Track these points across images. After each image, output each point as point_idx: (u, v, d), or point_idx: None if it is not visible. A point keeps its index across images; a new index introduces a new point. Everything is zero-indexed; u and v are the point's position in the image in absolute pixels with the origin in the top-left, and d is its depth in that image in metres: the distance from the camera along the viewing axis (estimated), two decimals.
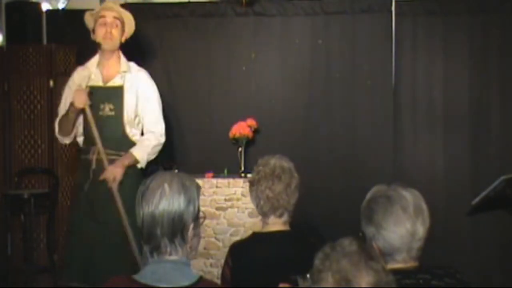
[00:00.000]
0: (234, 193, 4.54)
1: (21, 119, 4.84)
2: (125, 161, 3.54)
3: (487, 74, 4.75)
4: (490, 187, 2.78)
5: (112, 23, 3.58)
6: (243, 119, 4.79)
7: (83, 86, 3.51)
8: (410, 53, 4.85)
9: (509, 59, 4.71)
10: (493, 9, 4.74)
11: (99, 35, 3.56)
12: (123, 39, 3.68)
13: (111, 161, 3.50)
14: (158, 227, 1.77)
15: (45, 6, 5.15)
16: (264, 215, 2.42)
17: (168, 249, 1.79)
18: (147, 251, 1.82)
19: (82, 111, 3.46)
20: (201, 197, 1.87)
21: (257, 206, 2.44)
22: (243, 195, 4.47)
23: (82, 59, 3.84)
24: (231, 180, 4.58)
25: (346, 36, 4.93)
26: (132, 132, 3.63)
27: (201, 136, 5.02)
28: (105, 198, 3.48)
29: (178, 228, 1.78)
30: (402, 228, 1.84)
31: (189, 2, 5.08)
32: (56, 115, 3.71)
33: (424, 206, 1.90)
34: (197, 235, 1.85)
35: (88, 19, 3.61)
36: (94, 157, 3.49)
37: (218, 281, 2.56)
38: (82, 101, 3.40)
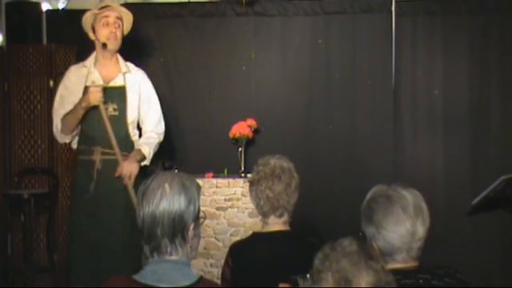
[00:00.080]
0: (234, 193, 4.54)
1: (21, 119, 4.84)
2: (137, 157, 3.56)
3: (487, 74, 4.75)
4: (490, 187, 2.78)
5: (115, 23, 3.58)
6: (243, 119, 4.79)
7: (82, 85, 3.50)
8: (410, 53, 4.85)
9: (509, 59, 4.71)
10: (493, 9, 4.74)
11: (102, 35, 3.55)
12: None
13: (111, 161, 3.51)
14: (158, 227, 1.77)
15: (45, 6, 5.14)
16: (264, 215, 2.42)
17: (169, 249, 1.79)
18: (147, 251, 1.82)
19: (89, 108, 3.46)
20: (201, 197, 1.87)
21: (257, 206, 2.44)
22: (243, 195, 4.47)
23: (82, 59, 3.82)
24: (231, 180, 4.58)
25: (346, 36, 4.93)
26: (133, 132, 3.65)
27: (201, 136, 5.02)
28: (112, 198, 3.50)
29: (179, 228, 1.78)
30: (402, 228, 1.84)
31: (189, 2, 5.08)
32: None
33: (424, 206, 1.90)
34: (197, 235, 1.85)
35: (88, 19, 3.57)
36: (98, 158, 3.49)
37: (218, 281, 2.56)
38: (98, 98, 3.40)
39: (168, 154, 4.82)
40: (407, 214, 1.85)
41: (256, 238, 2.45)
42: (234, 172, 4.74)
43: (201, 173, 4.61)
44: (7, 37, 5.02)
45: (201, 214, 1.86)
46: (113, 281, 1.80)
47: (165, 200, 1.77)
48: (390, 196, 1.89)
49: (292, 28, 4.98)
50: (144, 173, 3.58)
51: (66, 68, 4.67)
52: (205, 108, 5.05)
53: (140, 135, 3.73)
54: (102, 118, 3.42)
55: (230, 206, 4.53)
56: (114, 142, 3.45)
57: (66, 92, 3.55)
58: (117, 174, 3.44)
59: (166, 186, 1.79)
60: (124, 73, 3.67)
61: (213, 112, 5.03)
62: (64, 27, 4.98)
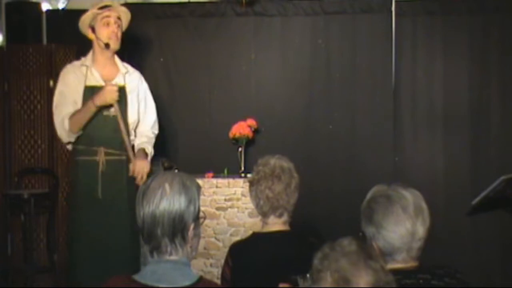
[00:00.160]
0: (234, 193, 4.54)
1: (21, 119, 4.84)
2: (144, 155, 3.59)
3: (487, 74, 4.75)
4: (490, 187, 2.78)
5: (115, 23, 3.58)
6: (243, 119, 4.79)
7: (82, 84, 3.49)
8: (410, 53, 4.85)
9: (509, 59, 4.71)
10: (493, 9, 4.74)
11: (104, 35, 3.53)
12: None
13: (114, 162, 3.51)
14: (158, 227, 1.77)
15: (45, 6, 5.15)
16: (264, 215, 2.42)
17: (169, 249, 1.79)
18: (147, 250, 1.82)
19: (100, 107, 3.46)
20: (201, 197, 1.87)
21: (256, 206, 2.44)
22: (243, 195, 4.47)
23: None
24: (231, 180, 4.58)
25: (346, 36, 4.93)
26: (131, 132, 3.65)
27: (201, 136, 5.03)
28: (115, 198, 3.51)
29: (179, 228, 1.78)
30: (402, 228, 1.84)
31: (189, 2, 5.08)
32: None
33: (424, 206, 1.90)
34: (197, 235, 1.85)
35: (88, 18, 3.56)
36: (102, 158, 3.48)
37: (218, 281, 2.56)
38: (114, 97, 3.42)
39: (168, 154, 4.83)
40: (407, 214, 1.85)
41: (256, 238, 2.45)
42: (234, 172, 4.74)
43: (201, 173, 4.61)
44: (7, 37, 5.02)
45: (201, 214, 1.86)
46: (113, 281, 1.80)
47: (165, 200, 1.77)
48: (390, 196, 1.88)
49: (292, 28, 4.98)
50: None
51: None
52: (205, 108, 5.05)
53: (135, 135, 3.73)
54: (117, 117, 3.45)
55: (230, 206, 4.53)
56: (127, 141, 3.48)
57: (67, 90, 3.52)
58: (130, 173, 3.46)
59: (167, 186, 1.79)
60: (124, 74, 3.66)
61: (213, 112, 5.04)
62: (64, 27, 4.97)
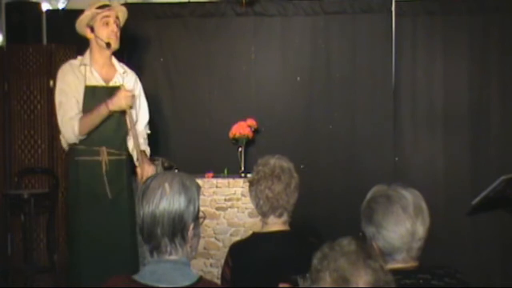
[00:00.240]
0: (234, 193, 4.54)
1: (21, 119, 4.84)
2: (148, 159, 3.63)
3: (487, 74, 4.75)
4: (490, 187, 2.78)
5: (115, 22, 3.57)
6: (243, 119, 4.79)
7: (82, 84, 3.49)
8: (410, 53, 4.85)
9: (509, 59, 4.71)
10: (493, 9, 4.74)
11: (103, 34, 3.52)
12: None
13: (115, 161, 3.52)
14: (158, 227, 1.77)
15: (45, 6, 5.15)
16: (264, 215, 2.42)
17: (168, 249, 1.79)
18: (147, 250, 1.82)
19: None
20: (201, 197, 1.87)
21: (256, 206, 2.44)
22: (243, 195, 4.47)
23: None
24: (231, 180, 4.58)
25: (346, 36, 4.93)
26: (129, 132, 3.65)
27: (201, 136, 5.03)
28: (117, 197, 3.52)
29: (178, 228, 1.78)
30: (402, 228, 1.84)
31: (189, 2, 5.08)
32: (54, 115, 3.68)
33: (424, 206, 1.90)
34: (197, 235, 1.85)
35: (87, 18, 3.55)
36: (104, 158, 3.48)
37: (218, 281, 2.56)
38: (129, 103, 3.46)
39: (168, 154, 4.83)
40: (407, 214, 1.85)
41: (256, 238, 2.45)
42: (234, 172, 4.74)
43: (201, 173, 4.61)
44: (7, 37, 5.02)
45: (201, 214, 1.86)
46: (113, 281, 1.80)
47: (165, 199, 1.77)
48: (390, 196, 1.88)
49: (292, 28, 4.98)
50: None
51: None
52: (205, 108, 5.05)
53: None
54: (129, 122, 3.48)
55: (230, 206, 4.53)
56: (137, 146, 3.51)
57: (69, 89, 3.49)
58: (139, 177, 3.49)
59: (166, 185, 1.79)
60: (122, 74, 3.66)
61: (213, 112, 5.04)
62: (64, 27, 4.97)
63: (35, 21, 5.06)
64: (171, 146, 5.00)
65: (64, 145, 3.57)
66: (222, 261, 2.53)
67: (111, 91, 3.54)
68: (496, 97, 4.74)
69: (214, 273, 4.35)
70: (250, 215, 4.46)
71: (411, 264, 1.88)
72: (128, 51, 5.06)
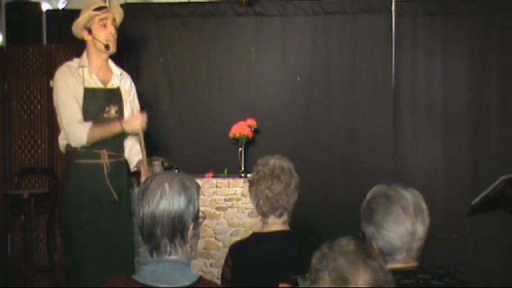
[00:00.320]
0: (234, 193, 4.54)
1: (21, 119, 4.84)
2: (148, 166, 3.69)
3: (487, 74, 4.75)
4: (490, 187, 2.78)
5: (112, 24, 3.56)
6: (243, 119, 4.79)
7: (81, 87, 3.48)
8: (410, 53, 4.85)
9: (509, 59, 4.71)
10: (493, 9, 4.74)
11: (102, 36, 3.51)
12: None
13: (115, 163, 3.54)
14: (158, 227, 1.77)
15: (45, 6, 5.15)
16: (264, 215, 2.42)
17: (168, 249, 1.79)
18: (147, 250, 1.82)
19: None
20: (201, 197, 1.87)
21: (256, 206, 2.43)
22: (243, 195, 4.47)
23: None
24: (231, 180, 4.58)
25: (346, 36, 4.93)
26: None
27: (201, 136, 5.03)
28: (119, 200, 3.53)
29: (178, 228, 1.78)
30: (402, 228, 1.84)
31: (189, 2, 5.08)
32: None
33: (424, 206, 1.90)
34: (196, 235, 1.85)
35: (84, 20, 3.53)
36: (106, 161, 3.49)
37: (218, 281, 2.56)
38: (144, 126, 3.50)
39: (168, 154, 4.83)
40: (407, 214, 1.85)
41: (256, 238, 2.45)
42: (234, 172, 4.74)
43: (201, 173, 4.61)
44: (7, 37, 5.02)
45: (201, 214, 1.86)
46: (113, 281, 1.80)
47: (165, 200, 1.77)
48: (390, 196, 1.88)
49: (292, 28, 4.98)
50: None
51: None
52: (205, 108, 5.05)
53: None
54: (141, 143, 3.53)
55: (230, 206, 4.53)
56: (145, 162, 3.56)
57: (70, 91, 3.47)
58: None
59: (166, 186, 1.79)
60: (119, 76, 3.66)
61: (213, 112, 5.04)
62: (64, 27, 4.93)
63: (35, 21, 5.06)
64: (171, 146, 5.00)
65: (62, 147, 3.56)
66: (222, 261, 2.53)
67: (109, 93, 3.55)
68: (496, 97, 4.74)
69: (214, 273, 4.35)
70: (250, 215, 4.46)
71: (411, 264, 1.88)
72: (128, 51, 5.07)
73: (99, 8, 3.53)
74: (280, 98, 4.97)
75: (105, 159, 3.48)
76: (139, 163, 3.67)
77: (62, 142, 3.53)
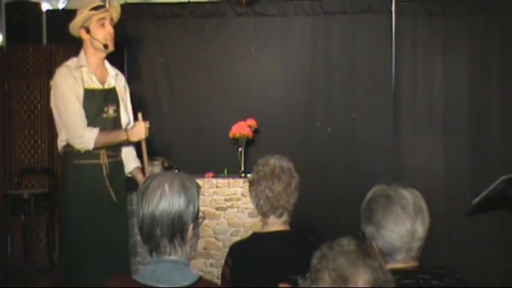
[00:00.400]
0: (234, 193, 4.54)
1: (21, 119, 4.84)
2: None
3: (487, 74, 4.75)
4: (490, 187, 2.78)
5: (110, 23, 3.56)
6: (243, 119, 4.79)
7: (81, 87, 3.48)
8: (410, 53, 4.85)
9: (509, 59, 4.71)
10: (493, 9, 4.74)
11: (100, 36, 3.51)
12: None
13: (114, 163, 3.54)
14: (157, 227, 1.77)
15: (45, 6, 5.15)
16: (264, 215, 2.42)
17: (168, 249, 1.79)
18: (147, 250, 1.82)
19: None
20: (201, 197, 1.87)
21: (256, 206, 2.43)
22: (243, 195, 4.47)
23: None
24: (231, 180, 4.58)
25: (346, 36, 4.93)
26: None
27: (201, 136, 5.03)
28: (117, 199, 3.55)
29: (178, 229, 1.78)
30: (402, 228, 1.84)
31: (189, 2, 5.08)
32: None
33: (424, 206, 1.90)
34: (196, 235, 1.85)
35: (83, 19, 3.53)
36: (105, 161, 3.49)
37: (218, 281, 2.56)
38: (147, 134, 3.57)
39: (168, 154, 4.83)
40: (407, 214, 1.85)
41: (256, 238, 2.45)
42: (234, 172, 4.74)
43: (201, 173, 4.61)
44: (7, 37, 5.02)
45: (201, 214, 1.86)
46: (113, 281, 1.80)
47: (165, 200, 1.77)
48: (390, 196, 1.88)
49: (292, 28, 4.98)
50: None
51: None
52: (205, 108, 5.05)
53: None
54: (145, 151, 3.59)
55: (230, 206, 4.53)
56: (148, 171, 3.63)
57: (73, 93, 3.46)
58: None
59: (166, 186, 1.79)
60: (115, 76, 3.66)
61: (213, 112, 5.04)
62: (64, 27, 4.92)
63: (35, 21, 5.06)
64: (171, 146, 5.00)
65: (60, 148, 3.55)
66: (222, 261, 2.53)
67: (106, 93, 3.55)
68: (496, 97, 4.74)
69: (214, 273, 4.35)
70: (250, 215, 4.46)
71: (411, 264, 1.88)
72: (128, 51, 5.07)
73: (97, 7, 3.52)
74: (280, 98, 4.96)
75: (104, 159, 3.49)
76: (136, 170, 3.72)
77: (61, 143, 3.52)
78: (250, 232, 2.97)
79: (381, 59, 4.86)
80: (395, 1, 4.84)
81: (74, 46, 4.76)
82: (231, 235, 4.48)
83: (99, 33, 3.51)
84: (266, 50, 5.00)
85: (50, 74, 4.74)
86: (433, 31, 4.82)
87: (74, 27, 3.54)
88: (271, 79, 5.00)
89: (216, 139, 4.95)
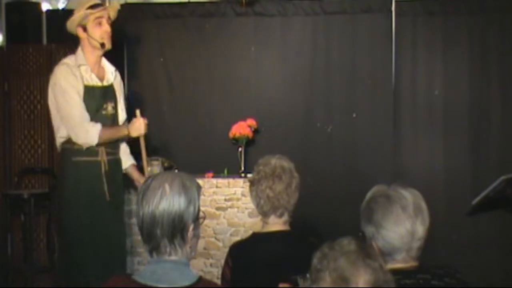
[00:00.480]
0: (234, 193, 4.54)
1: (21, 119, 4.84)
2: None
3: (487, 74, 4.75)
4: (490, 187, 2.78)
5: (107, 22, 3.56)
6: (243, 119, 4.79)
7: (81, 85, 3.48)
8: (410, 53, 4.85)
9: (509, 59, 4.71)
10: (493, 9, 4.74)
11: (97, 35, 3.51)
12: None
13: (112, 161, 3.55)
14: (158, 227, 1.77)
15: (45, 6, 5.15)
16: (264, 214, 2.42)
17: (168, 249, 1.79)
18: (147, 250, 1.82)
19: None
20: (201, 197, 1.86)
21: (257, 205, 2.43)
22: (243, 195, 4.47)
23: None
24: (231, 180, 4.58)
25: (346, 36, 4.93)
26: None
27: (201, 136, 5.03)
28: (115, 197, 3.56)
29: (178, 229, 1.78)
30: (401, 228, 1.84)
31: (189, 2, 5.08)
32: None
33: (423, 206, 1.90)
34: (196, 235, 1.85)
35: (80, 17, 3.51)
36: (104, 158, 3.49)
37: (218, 281, 2.56)
38: (146, 129, 3.55)
39: (168, 154, 4.83)
40: (407, 213, 1.85)
41: (256, 238, 2.45)
42: (234, 172, 4.74)
43: (201, 173, 4.61)
44: (7, 37, 5.03)
45: (201, 214, 1.86)
46: (113, 281, 1.80)
47: (165, 200, 1.77)
48: (390, 196, 1.88)
49: (292, 28, 4.98)
50: None
51: None
52: (205, 108, 5.05)
53: None
54: (143, 147, 3.57)
55: (230, 206, 4.53)
56: (146, 168, 3.62)
57: (74, 90, 3.45)
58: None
59: (167, 186, 1.79)
60: (113, 72, 3.67)
61: (213, 112, 5.04)
62: (64, 27, 4.95)
63: (35, 21, 5.06)
64: (171, 146, 5.00)
65: (58, 144, 3.54)
66: (222, 261, 2.53)
67: (105, 90, 3.56)
68: (496, 97, 4.74)
69: (214, 273, 4.35)
70: (250, 215, 4.46)
71: (411, 264, 1.88)
72: (128, 51, 5.07)
73: (94, 6, 3.52)
74: (280, 98, 4.96)
75: (103, 156, 3.49)
76: (131, 167, 3.74)
77: (59, 140, 3.51)
78: (250, 232, 2.97)
79: (381, 59, 4.86)
80: (395, 1, 4.84)
81: (74, 46, 4.76)
82: (231, 235, 4.48)
83: (96, 32, 3.51)
84: (266, 50, 5.01)
85: (50, 74, 4.76)
86: (433, 31, 4.82)
87: (72, 25, 3.55)
88: (271, 79, 5.00)
89: (216, 139, 4.95)
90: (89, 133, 3.43)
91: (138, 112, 3.60)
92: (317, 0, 4.94)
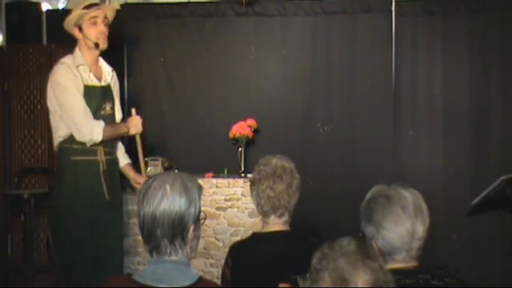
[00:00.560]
0: (234, 193, 4.54)
1: (21, 119, 4.84)
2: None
3: (487, 74, 4.75)
4: (490, 187, 2.78)
5: (103, 21, 3.56)
6: (243, 119, 4.79)
7: (81, 84, 3.48)
8: (410, 53, 4.85)
9: (509, 59, 4.71)
10: (493, 9, 4.74)
11: (92, 34, 3.50)
12: None
13: (110, 161, 3.55)
14: (158, 228, 1.77)
15: (45, 6, 5.15)
16: (265, 214, 2.42)
17: (168, 250, 1.79)
18: (147, 250, 1.82)
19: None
20: (202, 197, 1.86)
21: (257, 205, 2.43)
22: (243, 195, 4.47)
23: None
24: (231, 180, 4.58)
25: (346, 36, 4.93)
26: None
27: (201, 136, 5.03)
28: (114, 197, 3.57)
29: (179, 229, 1.78)
30: (401, 228, 1.84)
31: (189, 2, 5.08)
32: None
33: (423, 206, 1.90)
34: (197, 236, 1.85)
35: (75, 18, 3.51)
36: (102, 158, 3.49)
37: (218, 281, 2.56)
38: (143, 127, 3.61)
39: (168, 154, 4.83)
40: (407, 213, 1.85)
41: (256, 238, 2.45)
42: (234, 172, 4.74)
43: (201, 173, 4.61)
44: (7, 37, 5.03)
45: (202, 214, 1.86)
46: (113, 281, 1.80)
47: (166, 200, 1.77)
48: (390, 196, 1.89)
49: (292, 28, 4.97)
50: None
51: None
52: (205, 108, 5.05)
53: None
54: (137, 145, 3.61)
55: (230, 206, 4.53)
56: (143, 167, 3.67)
57: (76, 89, 3.46)
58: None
59: (167, 186, 1.79)
60: (110, 72, 3.68)
61: (213, 112, 5.03)
62: (64, 27, 4.96)
63: (35, 21, 5.06)
64: (171, 146, 5.00)
65: (57, 143, 3.54)
66: (222, 261, 2.53)
67: (104, 90, 3.57)
68: (496, 97, 4.74)
69: (214, 273, 4.35)
70: (250, 215, 4.46)
71: (411, 264, 1.88)
72: (128, 51, 5.07)
73: (90, 6, 3.52)
74: (280, 98, 4.96)
75: (101, 156, 3.49)
76: (127, 166, 3.75)
77: (58, 139, 3.51)
78: (250, 232, 2.96)
79: (381, 59, 4.86)
80: (395, 1, 4.84)
81: (74, 46, 4.78)
82: (231, 235, 4.48)
83: (91, 32, 3.51)
84: (266, 50, 5.00)
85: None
86: (433, 31, 4.82)
87: (68, 25, 3.57)
88: (271, 79, 5.00)
89: (216, 139, 4.95)
90: (94, 130, 3.44)
91: (133, 110, 3.63)
92: (317, 0, 4.94)
